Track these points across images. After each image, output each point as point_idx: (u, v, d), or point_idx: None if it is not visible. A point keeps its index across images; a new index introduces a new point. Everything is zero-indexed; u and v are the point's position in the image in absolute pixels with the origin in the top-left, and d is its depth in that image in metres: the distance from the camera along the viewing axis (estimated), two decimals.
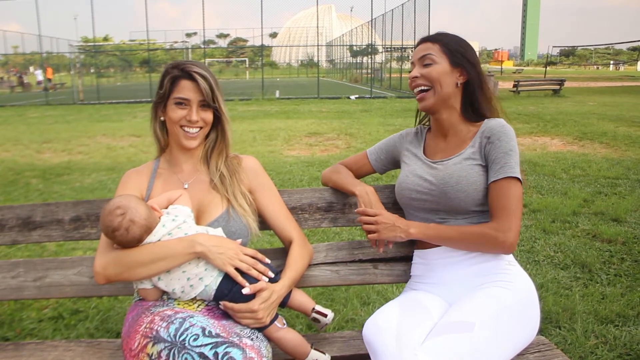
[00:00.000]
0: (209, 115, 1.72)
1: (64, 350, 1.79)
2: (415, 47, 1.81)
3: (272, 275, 1.62)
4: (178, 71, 1.68)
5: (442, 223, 1.71)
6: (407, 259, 1.92)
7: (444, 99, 1.73)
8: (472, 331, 1.43)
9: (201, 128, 1.72)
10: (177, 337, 1.36)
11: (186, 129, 1.70)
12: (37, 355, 1.76)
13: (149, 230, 1.56)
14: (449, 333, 1.44)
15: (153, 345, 1.38)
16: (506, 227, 1.57)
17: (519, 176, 1.62)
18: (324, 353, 1.70)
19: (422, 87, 1.73)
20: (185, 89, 1.68)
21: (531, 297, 1.62)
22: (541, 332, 1.66)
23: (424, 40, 1.77)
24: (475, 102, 1.75)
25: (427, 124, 1.94)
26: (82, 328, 2.88)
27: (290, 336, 1.64)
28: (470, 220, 1.68)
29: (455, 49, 1.72)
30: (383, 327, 1.49)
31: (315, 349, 1.68)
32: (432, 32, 1.84)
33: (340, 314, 2.96)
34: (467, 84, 1.74)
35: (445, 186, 1.66)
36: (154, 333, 1.41)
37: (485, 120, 1.75)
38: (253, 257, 1.62)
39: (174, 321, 1.42)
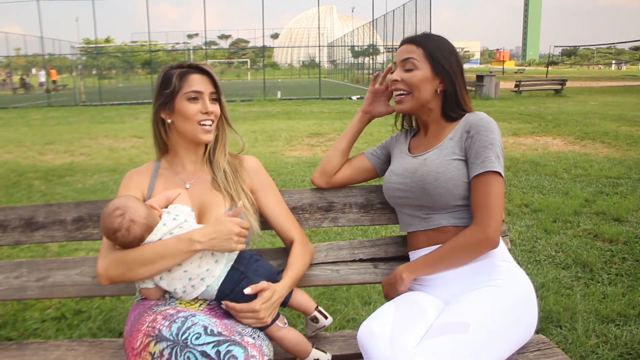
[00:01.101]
0: (217, 108, 1.75)
1: (67, 349, 1.80)
2: (399, 47, 1.81)
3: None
4: (184, 68, 1.71)
5: (426, 218, 1.72)
6: (407, 259, 1.92)
7: (422, 104, 1.74)
8: (468, 332, 1.43)
9: (213, 121, 1.75)
10: (180, 335, 1.37)
11: (203, 122, 1.72)
12: (40, 355, 1.77)
13: (149, 229, 1.57)
14: (444, 334, 1.44)
15: (155, 344, 1.39)
16: (485, 223, 1.58)
17: (500, 170, 1.61)
18: (325, 352, 1.70)
19: (401, 92, 1.75)
20: (197, 82, 1.70)
21: (527, 294, 1.61)
22: (542, 331, 1.67)
23: (408, 41, 1.76)
24: (454, 107, 1.76)
25: (411, 126, 1.95)
26: (84, 328, 2.89)
27: (291, 335, 1.65)
28: (454, 215, 1.68)
29: (438, 58, 1.71)
30: (377, 331, 1.49)
31: (316, 348, 1.69)
32: (426, 33, 1.82)
33: (341, 314, 2.96)
34: (446, 92, 1.75)
35: (424, 183, 1.67)
36: (156, 332, 1.42)
37: (466, 114, 1.75)
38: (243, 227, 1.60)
39: (176, 320, 1.43)
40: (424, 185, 1.67)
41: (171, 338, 1.38)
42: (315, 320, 1.76)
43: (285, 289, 1.65)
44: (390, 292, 1.73)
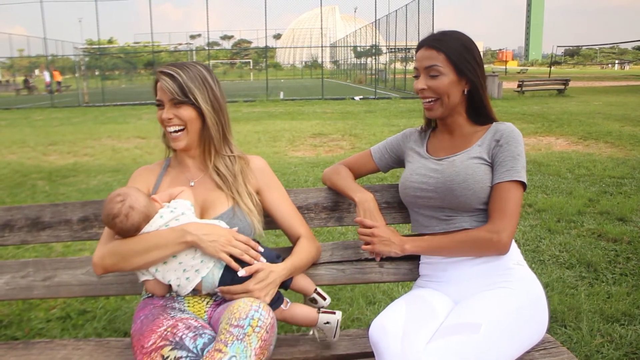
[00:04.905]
0: (183, 112, 1.68)
1: (73, 348, 1.81)
2: (417, 50, 1.78)
3: (263, 261, 1.63)
4: (157, 72, 1.72)
5: (447, 220, 1.72)
6: (413, 258, 1.93)
7: (452, 108, 1.74)
8: (478, 333, 1.44)
9: (184, 128, 1.70)
10: (205, 351, 1.38)
11: (168, 129, 1.71)
12: (47, 354, 1.78)
13: (147, 218, 1.59)
14: (455, 334, 1.45)
15: (172, 349, 1.40)
16: (500, 227, 1.60)
17: (524, 181, 1.64)
18: (334, 312, 1.71)
19: (429, 99, 1.73)
20: (159, 90, 1.71)
21: (538, 298, 1.63)
22: (547, 331, 1.67)
23: (428, 46, 1.73)
24: (479, 106, 1.77)
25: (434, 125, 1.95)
26: (89, 328, 2.90)
27: (296, 312, 1.69)
28: (475, 218, 1.69)
29: (460, 60, 1.70)
30: (389, 329, 1.50)
31: (323, 312, 1.70)
32: (443, 32, 1.76)
33: (346, 313, 2.97)
34: (472, 90, 1.75)
35: (452, 183, 1.67)
36: (177, 339, 1.42)
37: (495, 123, 1.77)
38: (246, 244, 1.62)
39: (202, 335, 1.44)
40: (452, 186, 1.67)
41: (194, 351, 1.39)
42: (313, 301, 1.78)
43: (284, 271, 1.64)
44: (377, 246, 1.70)
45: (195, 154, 1.80)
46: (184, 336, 1.43)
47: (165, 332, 1.45)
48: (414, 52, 1.83)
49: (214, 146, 1.76)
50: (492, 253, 1.64)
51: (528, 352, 1.62)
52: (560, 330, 2.73)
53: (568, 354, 1.65)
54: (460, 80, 1.72)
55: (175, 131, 1.70)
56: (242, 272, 1.57)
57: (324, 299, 1.78)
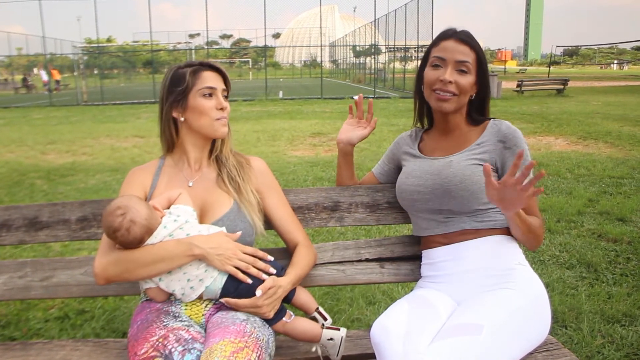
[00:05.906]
0: (228, 105, 1.77)
1: (72, 349, 1.79)
2: (441, 38, 1.73)
3: (273, 271, 1.62)
4: (196, 65, 1.72)
5: (446, 222, 1.71)
6: (414, 259, 1.92)
7: (461, 107, 1.74)
8: (481, 334, 1.42)
9: (226, 117, 1.77)
10: None
11: (220, 116, 1.72)
12: (45, 355, 1.76)
13: (150, 230, 1.56)
14: (457, 335, 1.43)
15: None
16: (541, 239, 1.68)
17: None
18: (339, 329, 1.68)
19: (450, 92, 1.70)
20: (210, 78, 1.71)
21: (540, 298, 1.61)
22: (549, 331, 1.67)
23: (460, 40, 1.70)
24: (479, 109, 1.78)
25: (424, 125, 1.94)
26: (88, 328, 2.89)
27: (298, 325, 1.66)
28: (475, 218, 1.67)
29: (483, 65, 1.71)
30: (391, 329, 1.49)
31: (327, 328, 1.68)
32: (437, 32, 1.79)
33: (346, 314, 2.95)
34: (478, 96, 1.76)
35: (449, 185, 1.66)
36: (167, 352, 1.41)
37: (491, 121, 1.75)
38: (253, 255, 1.62)
39: (192, 351, 1.42)
40: (449, 187, 1.66)
41: None
42: (314, 320, 1.75)
43: (289, 285, 1.64)
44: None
45: (207, 149, 1.80)
46: (173, 349, 1.41)
47: (156, 343, 1.44)
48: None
49: (229, 141, 1.82)
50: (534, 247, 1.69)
51: (531, 353, 1.60)
52: (560, 331, 2.72)
53: (571, 356, 1.64)
54: (474, 85, 1.73)
55: (225, 119, 1.75)
56: (259, 293, 1.55)
57: (325, 319, 1.75)
